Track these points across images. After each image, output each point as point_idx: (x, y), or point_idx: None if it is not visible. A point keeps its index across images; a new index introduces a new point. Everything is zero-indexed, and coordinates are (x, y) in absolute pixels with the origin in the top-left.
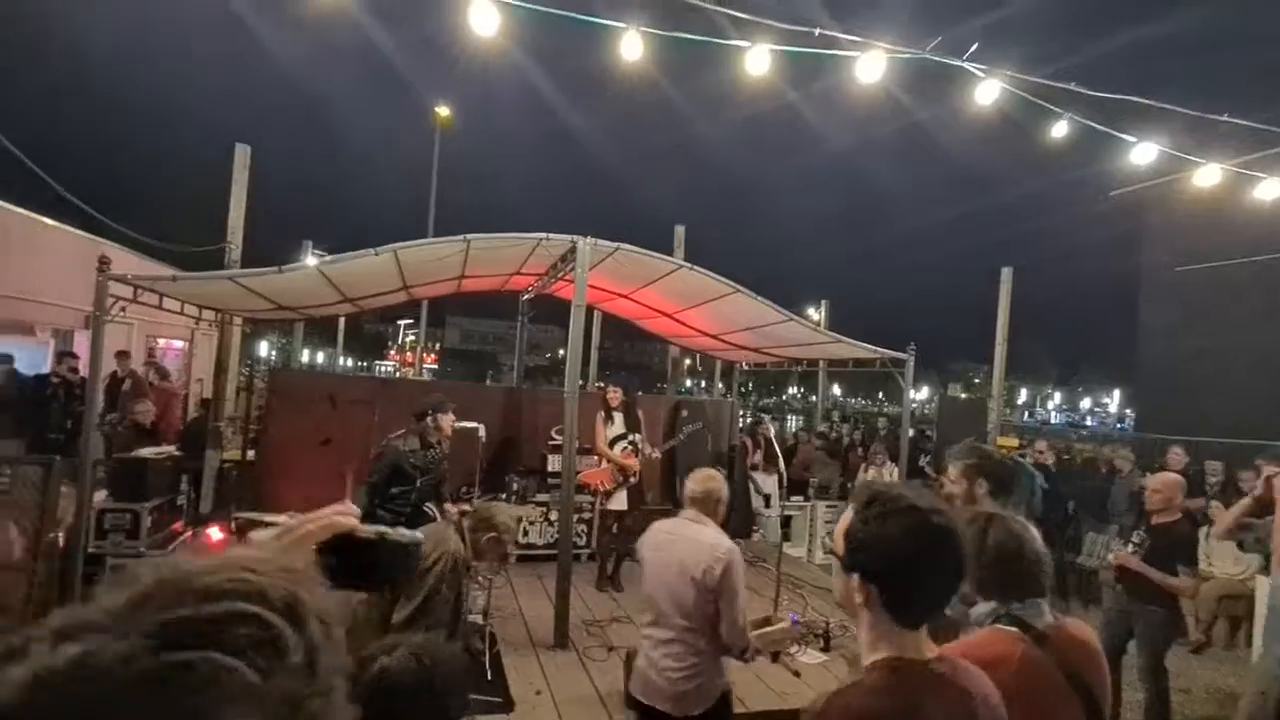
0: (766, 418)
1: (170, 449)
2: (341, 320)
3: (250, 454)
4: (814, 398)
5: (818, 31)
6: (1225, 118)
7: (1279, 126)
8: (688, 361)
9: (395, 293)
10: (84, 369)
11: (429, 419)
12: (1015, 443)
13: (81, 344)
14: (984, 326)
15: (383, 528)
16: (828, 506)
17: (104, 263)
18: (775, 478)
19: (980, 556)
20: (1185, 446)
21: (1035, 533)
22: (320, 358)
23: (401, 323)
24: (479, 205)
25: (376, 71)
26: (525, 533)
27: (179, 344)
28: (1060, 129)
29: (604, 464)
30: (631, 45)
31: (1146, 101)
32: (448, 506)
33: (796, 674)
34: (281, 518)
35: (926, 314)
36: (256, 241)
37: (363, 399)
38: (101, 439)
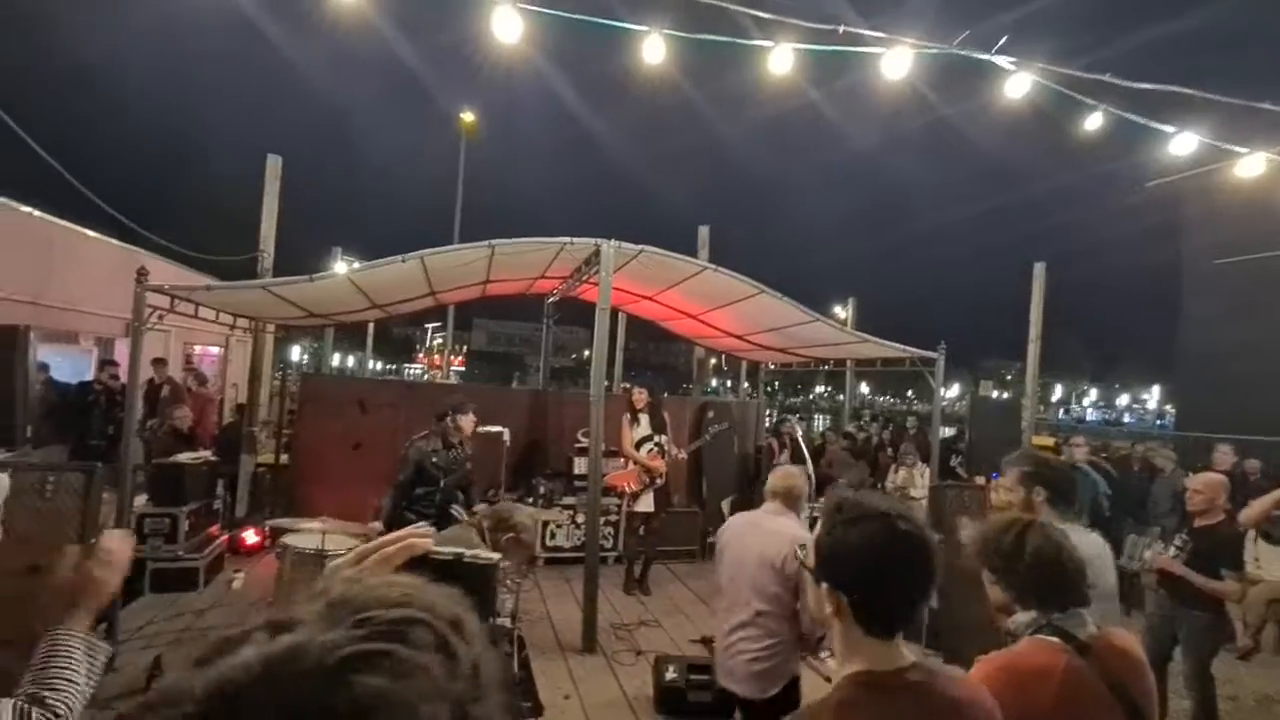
0: (793, 418)
1: (206, 454)
2: (371, 325)
3: (284, 458)
4: (841, 397)
5: (842, 29)
6: (1268, 105)
7: None
8: (713, 362)
9: (422, 298)
10: (125, 376)
11: (449, 420)
12: (1050, 441)
13: (122, 352)
14: (1016, 322)
15: (460, 549)
16: None
17: (142, 274)
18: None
19: (1018, 565)
20: (1234, 446)
21: (1095, 538)
22: (350, 361)
23: (429, 326)
24: (504, 210)
25: (402, 81)
26: (552, 536)
27: (215, 350)
28: (1095, 121)
29: (630, 466)
30: (654, 48)
31: (1186, 91)
32: (479, 508)
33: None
34: (314, 523)
35: (957, 310)
36: (288, 249)
37: (390, 403)
38: (141, 444)
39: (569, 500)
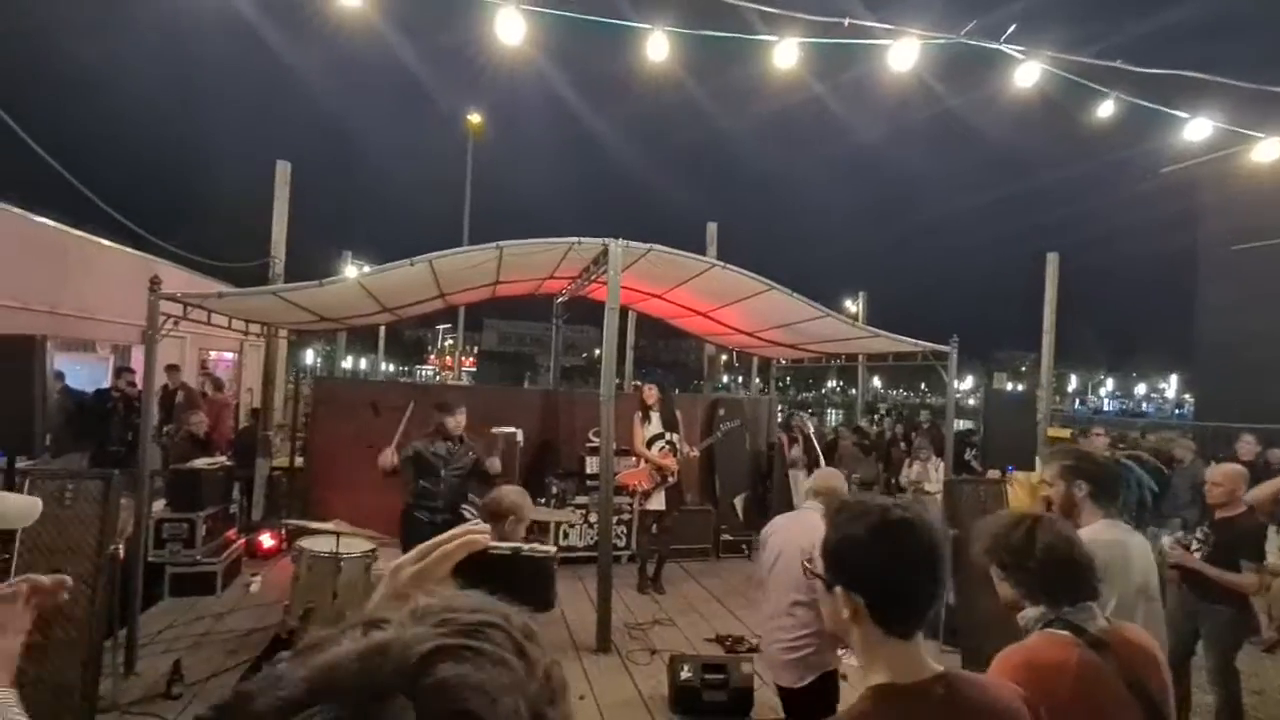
0: (803, 414)
1: (222, 459)
2: (382, 328)
3: (299, 461)
4: (854, 391)
5: (847, 22)
6: None
7: None
8: (724, 358)
9: (432, 301)
10: (141, 383)
11: (440, 419)
12: (1067, 433)
13: (139, 359)
14: (1030, 313)
15: (517, 544)
16: None
17: (155, 283)
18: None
19: (1028, 561)
20: (1257, 435)
21: (1139, 539)
22: (363, 364)
23: (440, 327)
24: (513, 211)
25: (410, 85)
26: (565, 535)
27: (229, 356)
28: (1106, 108)
29: (641, 464)
30: (658, 46)
31: (1200, 76)
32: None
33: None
34: (328, 525)
35: (970, 302)
36: (298, 254)
37: (402, 405)
38: (159, 450)
39: (581, 499)
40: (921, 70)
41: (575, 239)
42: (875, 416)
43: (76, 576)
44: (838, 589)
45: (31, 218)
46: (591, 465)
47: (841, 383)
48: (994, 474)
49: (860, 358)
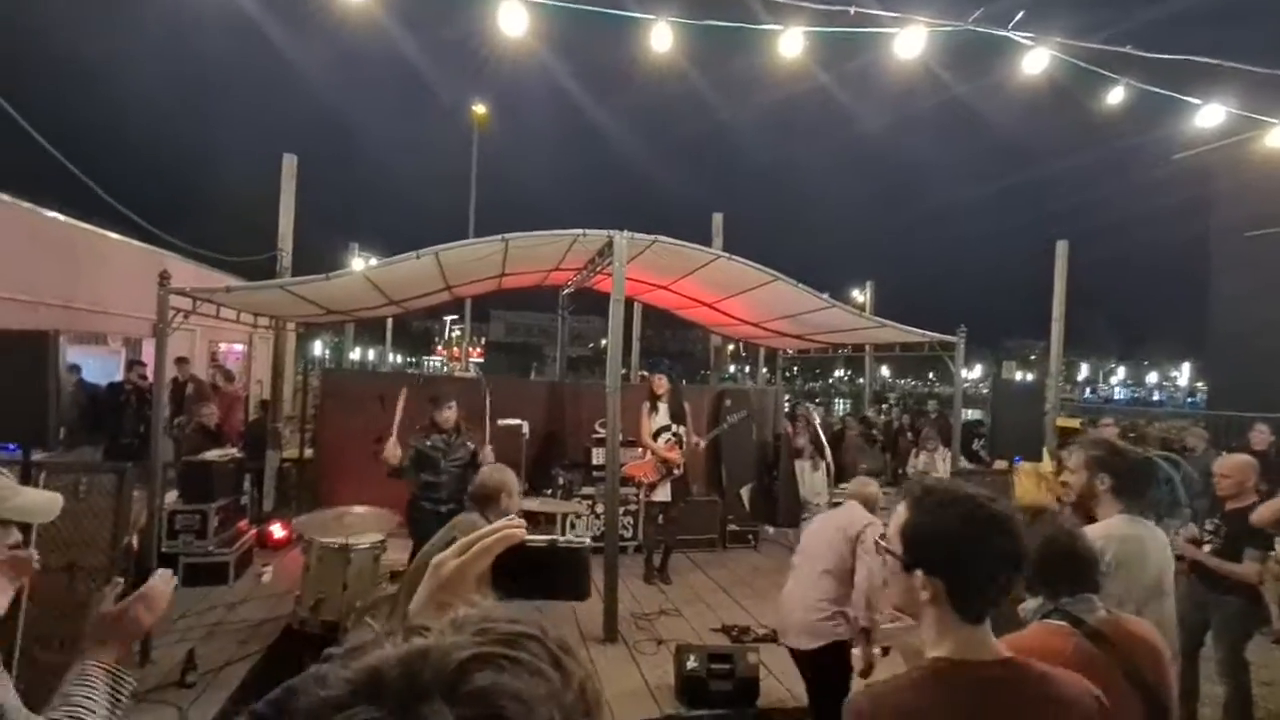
0: (809, 405)
1: (233, 451)
2: (389, 320)
3: (309, 452)
4: (861, 380)
5: (853, 9)
6: None
7: None
8: (730, 348)
9: (438, 293)
10: (152, 375)
11: (431, 414)
12: (1076, 423)
13: (149, 352)
14: (1040, 301)
15: (554, 535)
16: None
17: (164, 277)
18: (822, 471)
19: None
20: (1270, 425)
21: (1160, 535)
22: (371, 355)
23: (448, 319)
24: (519, 203)
25: (415, 78)
26: (572, 526)
27: (239, 348)
28: (1116, 95)
29: (646, 456)
30: (661, 36)
31: (1212, 61)
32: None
33: (884, 653)
34: (357, 509)
35: (979, 290)
36: (306, 247)
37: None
38: (170, 443)
39: (588, 490)
40: (929, 58)
41: (580, 231)
42: (884, 406)
43: (92, 568)
44: (918, 572)
45: (42, 212)
46: (597, 456)
47: (849, 372)
48: (1001, 465)
49: (867, 348)
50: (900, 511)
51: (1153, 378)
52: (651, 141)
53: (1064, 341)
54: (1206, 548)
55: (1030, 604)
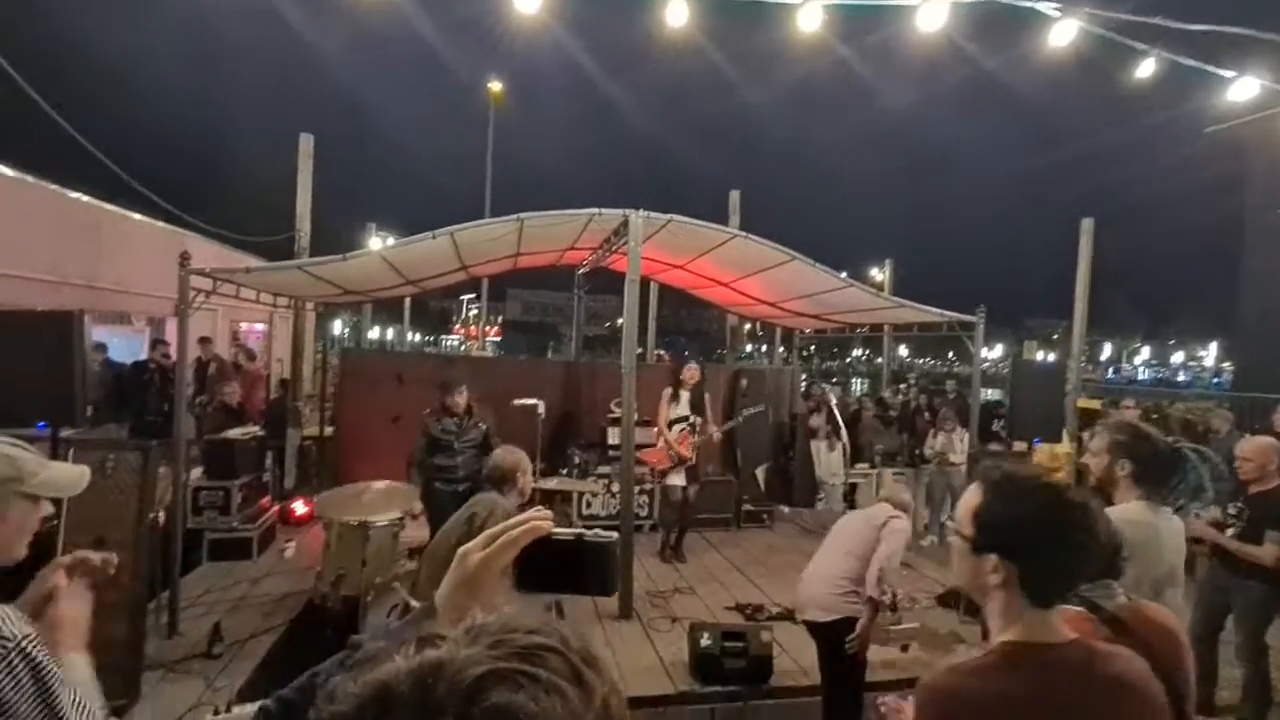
0: (825, 386)
1: (255, 429)
2: (407, 299)
3: (329, 430)
4: (880, 360)
5: None
6: None
7: None
8: (747, 328)
9: (454, 273)
10: (175, 354)
11: (441, 398)
12: (1097, 404)
13: (173, 331)
14: (1063, 280)
15: (580, 529)
16: (895, 475)
17: (185, 258)
18: (838, 452)
19: None
20: None
21: (1177, 524)
22: (390, 334)
23: (465, 298)
24: (534, 180)
25: (431, 57)
26: (588, 505)
27: (260, 327)
28: (1146, 67)
29: (659, 443)
30: (677, 11)
31: (1246, 32)
32: None
33: (904, 648)
34: (380, 484)
35: (1001, 268)
36: (324, 226)
37: (427, 377)
38: (193, 421)
39: (604, 470)
40: (952, 31)
41: (596, 210)
42: (903, 386)
43: (118, 543)
44: (991, 556)
45: (67, 194)
46: (613, 436)
47: (867, 351)
48: (1020, 446)
49: (885, 327)
50: (973, 494)
51: (1178, 358)
52: (668, 118)
53: (1087, 321)
54: (1229, 531)
55: None
